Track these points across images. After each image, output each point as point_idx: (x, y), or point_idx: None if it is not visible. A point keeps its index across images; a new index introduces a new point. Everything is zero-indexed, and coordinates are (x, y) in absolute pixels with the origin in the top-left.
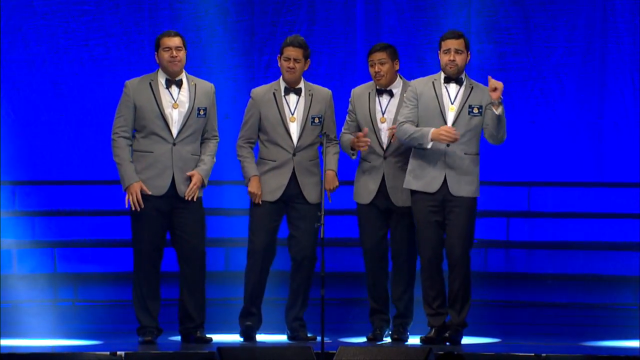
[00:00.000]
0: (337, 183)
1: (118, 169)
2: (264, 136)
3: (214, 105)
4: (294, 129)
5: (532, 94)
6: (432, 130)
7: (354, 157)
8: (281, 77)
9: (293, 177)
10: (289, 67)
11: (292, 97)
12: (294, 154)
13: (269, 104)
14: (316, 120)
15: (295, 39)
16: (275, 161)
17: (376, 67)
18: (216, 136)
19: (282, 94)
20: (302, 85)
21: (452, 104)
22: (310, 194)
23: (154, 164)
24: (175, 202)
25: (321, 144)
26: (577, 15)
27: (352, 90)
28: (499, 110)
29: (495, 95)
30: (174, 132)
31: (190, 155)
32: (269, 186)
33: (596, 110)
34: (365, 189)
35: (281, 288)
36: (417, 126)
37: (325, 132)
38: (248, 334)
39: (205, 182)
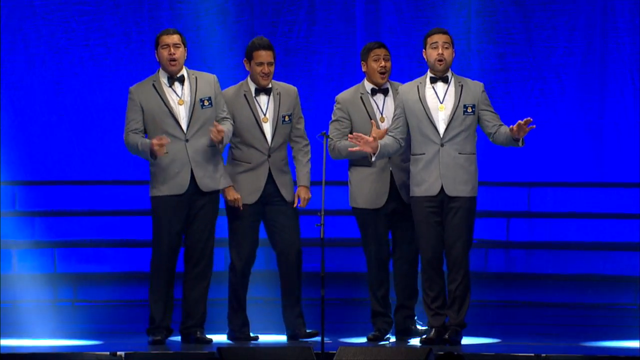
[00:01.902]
0: (309, 195)
1: (137, 150)
2: (236, 138)
3: (220, 93)
4: (267, 129)
5: (532, 94)
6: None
7: (374, 159)
8: (249, 78)
9: (269, 178)
10: (263, 73)
11: (263, 98)
12: (269, 155)
13: (241, 106)
14: (286, 119)
15: (263, 40)
16: (250, 163)
17: (381, 62)
18: (229, 118)
19: (253, 95)
20: (270, 84)
21: (441, 103)
22: (287, 193)
23: (171, 164)
24: (195, 199)
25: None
26: (577, 15)
27: (337, 97)
28: (521, 144)
29: (522, 135)
30: (184, 127)
31: (206, 148)
32: (246, 188)
33: (596, 110)
34: (374, 194)
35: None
36: (407, 132)
37: (324, 132)
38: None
39: (225, 140)
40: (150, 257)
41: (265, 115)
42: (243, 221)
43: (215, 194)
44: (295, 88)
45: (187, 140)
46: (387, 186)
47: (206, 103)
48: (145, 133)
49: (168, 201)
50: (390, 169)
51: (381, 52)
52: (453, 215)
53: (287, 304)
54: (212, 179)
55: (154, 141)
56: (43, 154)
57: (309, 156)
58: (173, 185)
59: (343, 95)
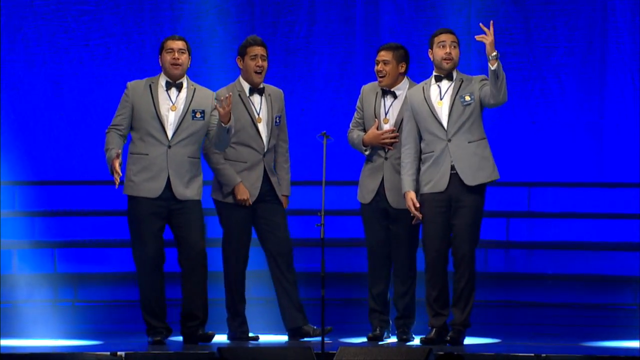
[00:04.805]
0: (287, 205)
1: (105, 150)
2: (233, 138)
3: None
4: (262, 129)
5: (532, 94)
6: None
7: (367, 153)
8: (240, 78)
9: (265, 177)
10: (257, 66)
11: (256, 98)
12: (264, 155)
13: (237, 106)
14: (277, 120)
15: (256, 38)
16: (246, 162)
17: (379, 66)
18: None
19: (247, 94)
20: (262, 85)
21: (441, 99)
22: (279, 192)
23: (149, 166)
24: (172, 204)
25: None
26: (577, 15)
27: (362, 87)
28: (494, 66)
29: (487, 48)
30: (169, 134)
31: (186, 158)
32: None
33: (596, 110)
34: (366, 189)
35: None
36: (419, 134)
37: (324, 132)
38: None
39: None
40: (134, 259)
41: (259, 115)
42: (239, 222)
43: (193, 200)
44: (282, 91)
45: (169, 147)
46: (377, 184)
47: (198, 115)
48: (131, 130)
49: (144, 202)
50: (384, 171)
51: (379, 55)
52: (462, 214)
53: (286, 301)
54: (187, 188)
55: (117, 166)
56: (43, 154)
57: (289, 162)
58: (147, 188)
59: (365, 86)
